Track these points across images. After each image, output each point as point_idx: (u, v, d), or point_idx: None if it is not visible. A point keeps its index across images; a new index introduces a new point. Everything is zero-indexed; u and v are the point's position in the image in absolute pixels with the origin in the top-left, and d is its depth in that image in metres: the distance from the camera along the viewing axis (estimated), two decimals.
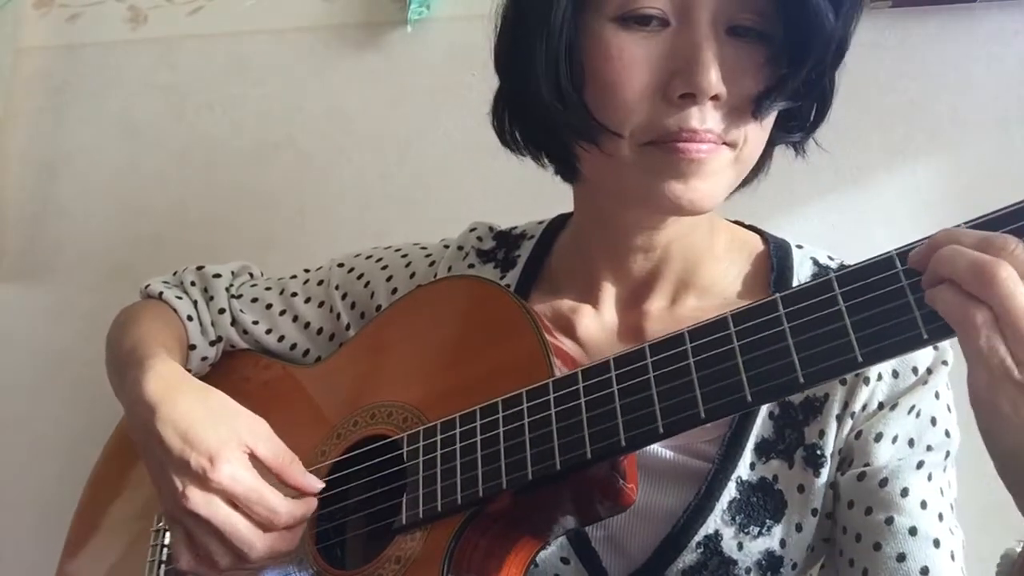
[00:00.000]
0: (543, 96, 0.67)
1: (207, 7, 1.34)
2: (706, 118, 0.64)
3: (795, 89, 0.65)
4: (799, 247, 0.79)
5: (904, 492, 0.67)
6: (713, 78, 0.63)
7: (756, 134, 0.68)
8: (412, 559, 0.65)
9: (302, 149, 1.29)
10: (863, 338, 0.51)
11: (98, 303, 1.11)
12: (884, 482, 0.68)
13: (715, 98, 0.64)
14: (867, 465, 0.69)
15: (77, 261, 1.33)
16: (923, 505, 0.67)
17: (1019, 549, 0.55)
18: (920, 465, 0.68)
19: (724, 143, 0.66)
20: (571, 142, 0.69)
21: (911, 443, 0.70)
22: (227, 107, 1.32)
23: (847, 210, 1.12)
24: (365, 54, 1.28)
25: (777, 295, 0.55)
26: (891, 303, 0.50)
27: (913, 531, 0.66)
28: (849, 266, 0.53)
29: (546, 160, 0.77)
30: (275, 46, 1.31)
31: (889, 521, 0.67)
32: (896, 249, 0.52)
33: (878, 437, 0.69)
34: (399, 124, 1.26)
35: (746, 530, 0.69)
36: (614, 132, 0.66)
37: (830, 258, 0.78)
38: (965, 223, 0.50)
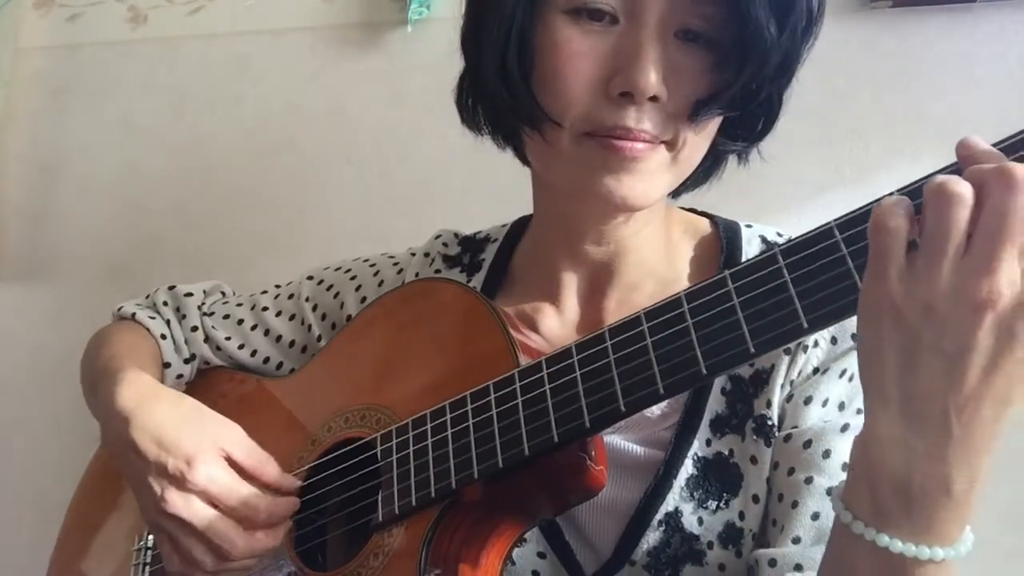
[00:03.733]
0: (490, 80, 0.69)
1: (207, 7, 1.34)
2: (643, 118, 0.65)
3: (733, 99, 0.66)
4: (748, 226, 0.80)
5: (826, 454, 0.68)
6: (652, 80, 0.64)
7: (695, 139, 0.68)
8: (391, 553, 0.65)
9: (302, 149, 1.29)
10: (808, 305, 0.53)
11: (98, 303, 1.11)
12: (808, 444, 0.69)
13: (654, 99, 0.65)
14: (795, 427, 0.70)
15: (77, 261, 1.33)
16: (844, 467, 0.67)
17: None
18: (845, 428, 0.69)
19: (662, 142, 0.67)
20: (518, 128, 0.72)
21: (841, 406, 0.71)
22: (227, 107, 1.32)
23: (847, 210, 1.12)
24: (365, 54, 1.28)
25: (726, 272, 0.57)
26: (833, 271, 0.53)
27: (830, 491, 0.66)
28: (792, 239, 0.55)
29: (502, 141, 0.78)
30: (275, 46, 1.31)
31: (808, 480, 0.68)
32: (835, 220, 0.54)
33: (807, 400, 0.71)
34: (399, 124, 1.26)
35: (704, 505, 0.70)
36: (555, 121, 0.68)
37: (779, 234, 0.79)
38: (898, 190, 0.52)
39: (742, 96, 0.66)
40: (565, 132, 0.68)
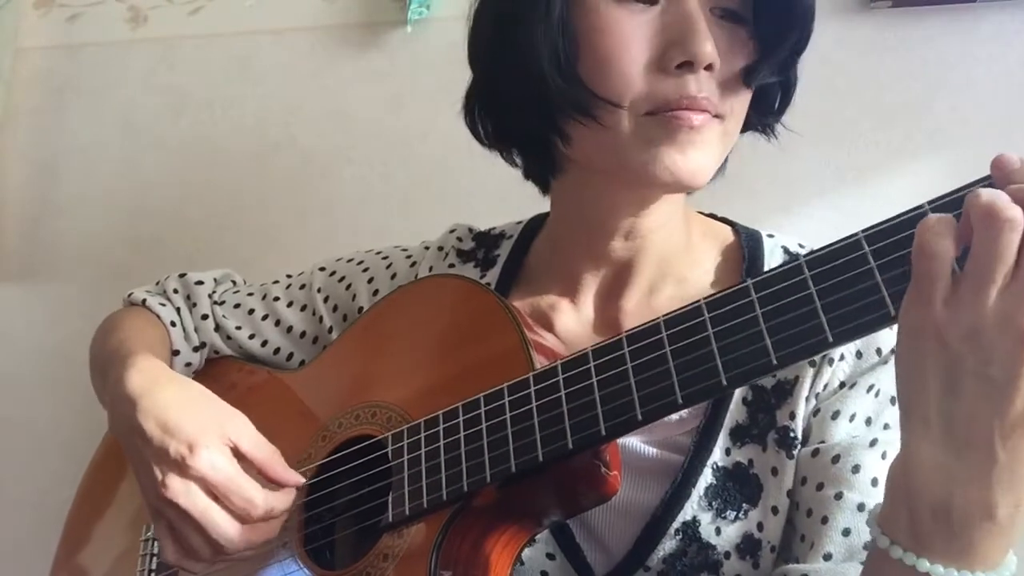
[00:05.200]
0: (545, 74, 0.68)
1: (207, 7, 1.34)
2: (703, 86, 0.66)
3: (782, 61, 0.68)
4: (770, 236, 0.79)
5: (856, 469, 0.67)
6: (708, 47, 0.65)
7: (739, 111, 0.70)
8: (400, 555, 0.65)
9: (302, 149, 1.29)
10: (833, 318, 0.51)
11: (98, 303, 1.11)
12: (836, 459, 0.68)
13: (709, 68, 0.66)
14: (822, 442, 0.70)
15: (77, 261, 1.33)
16: (874, 483, 0.67)
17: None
18: (874, 443, 0.69)
19: (715, 116, 0.68)
20: (566, 122, 0.70)
21: (868, 421, 0.70)
22: (227, 107, 1.32)
23: (847, 210, 1.12)
24: (365, 54, 1.28)
25: (749, 281, 0.55)
26: (860, 284, 0.51)
27: (861, 507, 0.66)
28: (818, 249, 0.54)
29: (516, 156, 0.79)
30: (275, 46, 1.31)
31: (839, 496, 0.67)
32: (863, 231, 0.52)
33: (835, 415, 0.70)
34: (399, 124, 1.26)
35: (723, 515, 0.70)
36: (614, 104, 0.67)
37: (800, 245, 0.79)
38: (929, 203, 0.50)
39: (790, 58, 0.69)
40: (625, 113, 0.67)
